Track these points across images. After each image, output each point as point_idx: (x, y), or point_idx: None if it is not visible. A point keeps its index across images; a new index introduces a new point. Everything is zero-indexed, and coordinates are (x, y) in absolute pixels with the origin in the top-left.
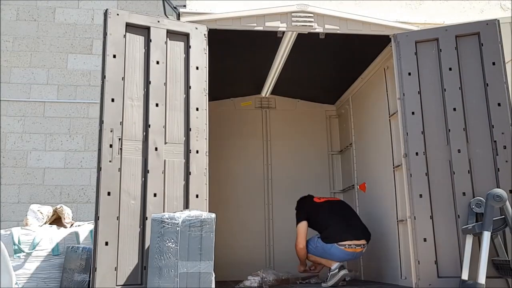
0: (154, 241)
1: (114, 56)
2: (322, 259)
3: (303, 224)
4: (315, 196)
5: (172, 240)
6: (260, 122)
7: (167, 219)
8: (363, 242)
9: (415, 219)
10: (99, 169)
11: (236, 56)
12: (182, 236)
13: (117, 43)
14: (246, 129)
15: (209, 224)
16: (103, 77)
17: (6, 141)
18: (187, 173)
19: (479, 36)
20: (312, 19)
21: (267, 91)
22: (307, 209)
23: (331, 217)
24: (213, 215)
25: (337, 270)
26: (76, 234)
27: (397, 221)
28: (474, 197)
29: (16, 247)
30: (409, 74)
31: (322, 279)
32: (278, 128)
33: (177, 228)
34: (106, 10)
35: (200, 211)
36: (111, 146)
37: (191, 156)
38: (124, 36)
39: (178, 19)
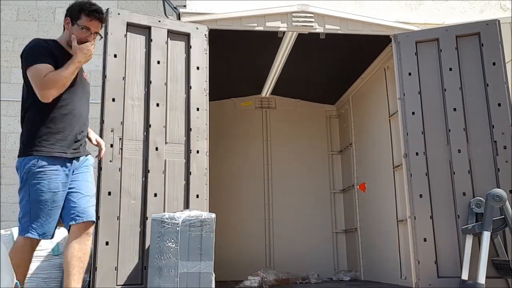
0: (154, 241)
1: (115, 56)
2: None
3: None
4: None
5: (172, 240)
6: (260, 122)
7: (167, 219)
8: None
9: (415, 219)
10: (99, 168)
11: (237, 56)
12: (182, 236)
13: (118, 42)
14: (246, 129)
15: (209, 224)
16: (104, 76)
17: (6, 141)
18: (188, 173)
19: (479, 36)
20: (313, 19)
21: (267, 91)
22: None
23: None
24: (213, 215)
25: None
26: None
27: (397, 221)
28: (474, 197)
29: None
30: (410, 74)
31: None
32: (278, 128)
33: (177, 228)
34: (107, 10)
35: (200, 211)
36: (111, 146)
37: (192, 156)
38: (125, 35)
39: (179, 19)
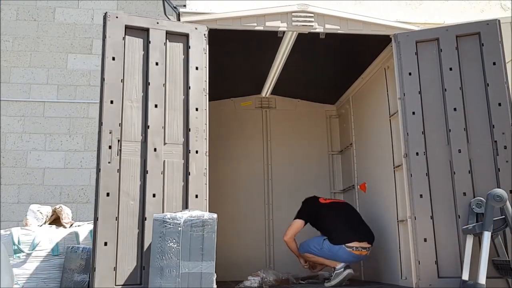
0: (155, 241)
1: (113, 59)
2: (326, 260)
3: (299, 222)
4: (321, 197)
5: (174, 240)
6: (260, 122)
7: (169, 219)
8: (368, 245)
9: (415, 219)
10: (98, 170)
11: (237, 56)
12: (184, 236)
13: (116, 45)
14: (246, 129)
15: (210, 224)
16: (102, 79)
17: (6, 141)
18: (187, 174)
19: (479, 36)
20: (313, 19)
21: (267, 91)
22: (310, 210)
23: (338, 219)
24: (215, 215)
25: (342, 269)
26: (76, 234)
27: (398, 221)
28: (474, 197)
29: (16, 247)
30: (410, 74)
31: (322, 277)
32: (278, 128)
33: (179, 228)
34: (106, 14)
35: (201, 211)
36: (110, 147)
37: (191, 156)
38: (123, 38)
39: (178, 19)
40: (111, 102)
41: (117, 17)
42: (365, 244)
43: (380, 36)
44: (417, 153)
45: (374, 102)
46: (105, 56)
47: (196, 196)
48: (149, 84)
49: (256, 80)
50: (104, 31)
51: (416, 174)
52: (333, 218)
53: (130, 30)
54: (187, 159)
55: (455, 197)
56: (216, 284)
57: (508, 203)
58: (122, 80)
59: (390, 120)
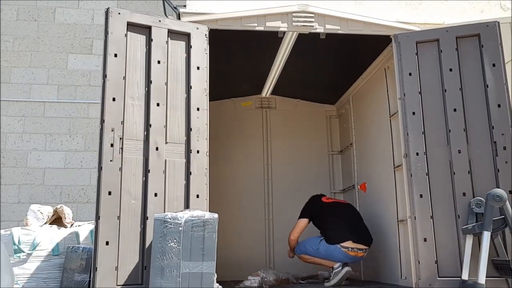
0: (156, 241)
1: (115, 55)
2: (322, 260)
3: (304, 221)
4: (324, 196)
5: (175, 240)
6: (260, 122)
7: (170, 219)
8: (365, 247)
9: (415, 219)
10: (100, 168)
11: (237, 56)
12: (185, 236)
13: (118, 42)
14: (246, 129)
15: (211, 224)
16: (104, 76)
17: (6, 141)
18: (188, 173)
19: (479, 37)
20: (313, 19)
21: (267, 91)
22: (312, 208)
23: (337, 219)
24: (216, 215)
25: (340, 268)
26: (76, 234)
27: (398, 221)
28: (474, 197)
29: (16, 247)
30: (410, 74)
31: (322, 276)
32: (278, 128)
33: (180, 228)
34: (108, 9)
35: (202, 211)
36: (112, 145)
37: (192, 156)
38: (125, 35)
39: (179, 19)
40: (113, 99)
41: (119, 14)
42: (361, 246)
43: (380, 36)
44: (417, 153)
45: (374, 102)
46: (107, 52)
47: (197, 196)
48: (151, 82)
49: (256, 80)
50: (106, 27)
51: (416, 174)
52: (333, 218)
53: (132, 27)
54: (189, 158)
55: (455, 197)
56: (217, 284)
57: (507, 203)
58: (124, 78)
59: (390, 120)
